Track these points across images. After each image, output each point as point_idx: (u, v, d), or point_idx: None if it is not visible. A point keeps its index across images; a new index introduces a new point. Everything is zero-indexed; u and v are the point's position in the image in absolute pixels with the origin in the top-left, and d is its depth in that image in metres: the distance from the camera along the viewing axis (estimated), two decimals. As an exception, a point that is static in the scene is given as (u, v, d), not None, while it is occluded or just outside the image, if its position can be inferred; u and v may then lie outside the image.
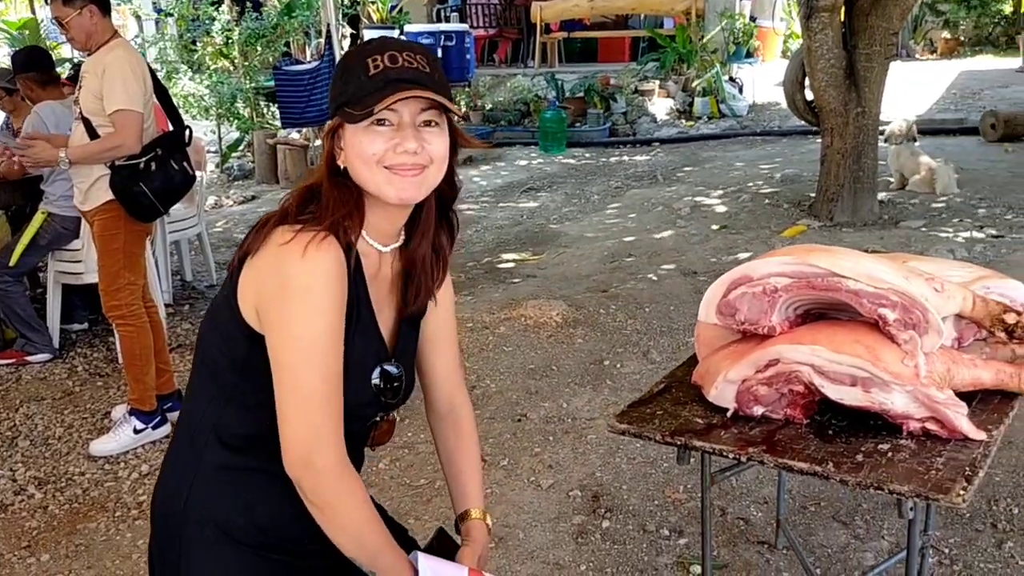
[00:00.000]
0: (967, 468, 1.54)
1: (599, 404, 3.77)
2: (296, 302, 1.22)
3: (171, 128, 3.66)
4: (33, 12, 12.40)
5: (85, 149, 3.39)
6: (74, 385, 4.31)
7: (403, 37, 9.46)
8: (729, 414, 1.78)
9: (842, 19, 6.04)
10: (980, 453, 1.59)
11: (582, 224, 6.97)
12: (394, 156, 1.26)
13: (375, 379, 1.37)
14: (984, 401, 1.76)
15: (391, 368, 1.40)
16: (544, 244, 6.45)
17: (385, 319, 1.40)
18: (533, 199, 7.98)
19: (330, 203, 1.29)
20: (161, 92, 3.67)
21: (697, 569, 2.61)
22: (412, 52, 1.28)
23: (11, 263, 4.42)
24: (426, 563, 1.26)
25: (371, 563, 1.30)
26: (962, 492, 1.47)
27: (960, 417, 1.62)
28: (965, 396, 1.68)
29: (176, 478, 1.42)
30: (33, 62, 4.62)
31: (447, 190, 1.40)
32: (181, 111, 4.18)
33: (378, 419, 1.44)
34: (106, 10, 3.41)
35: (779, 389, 1.73)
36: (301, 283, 1.22)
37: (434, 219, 1.41)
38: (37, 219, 4.42)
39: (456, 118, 1.35)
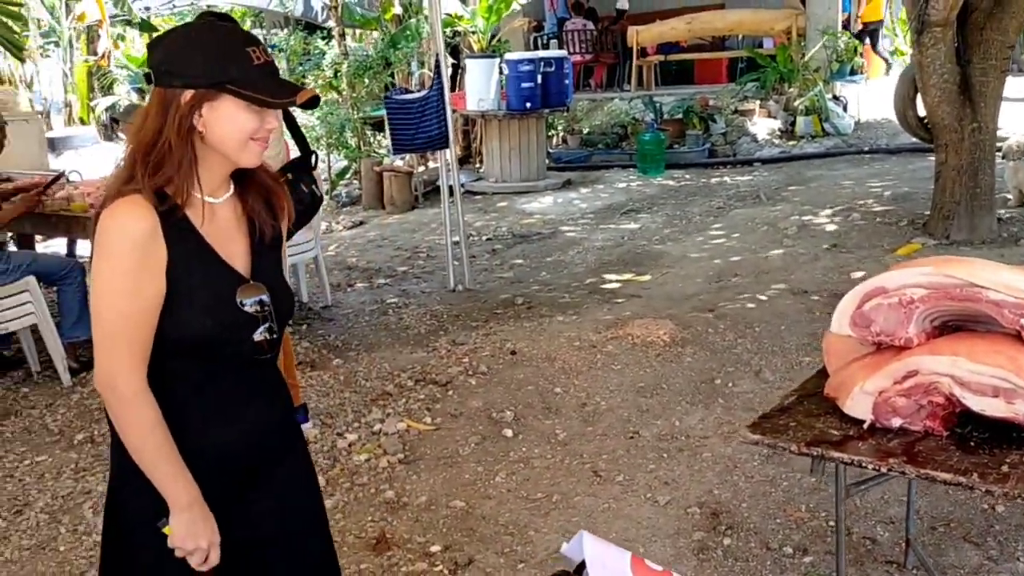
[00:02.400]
0: (1122, 480, 1.51)
1: (712, 422, 3.76)
2: (96, 257, 1.49)
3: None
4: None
5: None
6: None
7: (503, 65, 9.70)
8: (866, 426, 1.79)
9: (954, 33, 5.90)
10: None
11: (685, 244, 6.96)
12: (261, 131, 1.54)
13: (249, 305, 1.56)
14: None
15: (263, 296, 1.58)
16: (647, 264, 6.46)
17: (240, 253, 1.61)
18: (634, 220, 8.00)
19: (170, 165, 1.50)
20: (290, 121, 3.87)
21: (823, 587, 2.59)
22: (262, 47, 1.55)
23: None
24: (590, 542, 1.28)
25: (156, 485, 1.52)
26: (1118, 504, 1.45)
27: (1112, 429, 1.59)
28: (1115, 409, 1.65)
29: None
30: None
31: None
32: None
33: (270, 336, 1.60)
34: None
35: (918, 400, 1.74)
36: (101, 241, 1.48)
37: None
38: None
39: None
